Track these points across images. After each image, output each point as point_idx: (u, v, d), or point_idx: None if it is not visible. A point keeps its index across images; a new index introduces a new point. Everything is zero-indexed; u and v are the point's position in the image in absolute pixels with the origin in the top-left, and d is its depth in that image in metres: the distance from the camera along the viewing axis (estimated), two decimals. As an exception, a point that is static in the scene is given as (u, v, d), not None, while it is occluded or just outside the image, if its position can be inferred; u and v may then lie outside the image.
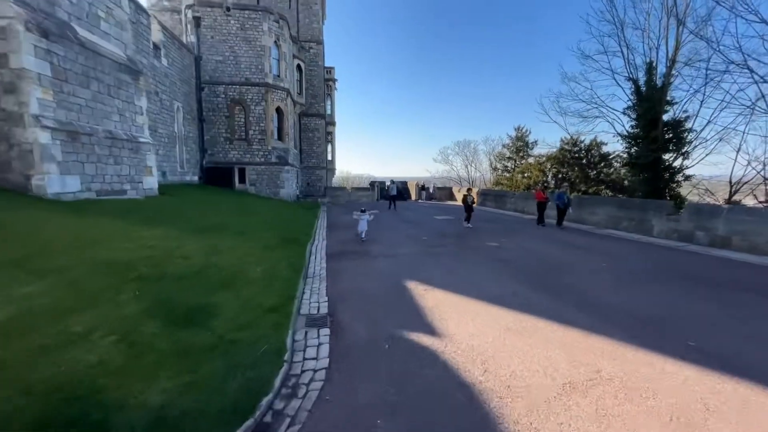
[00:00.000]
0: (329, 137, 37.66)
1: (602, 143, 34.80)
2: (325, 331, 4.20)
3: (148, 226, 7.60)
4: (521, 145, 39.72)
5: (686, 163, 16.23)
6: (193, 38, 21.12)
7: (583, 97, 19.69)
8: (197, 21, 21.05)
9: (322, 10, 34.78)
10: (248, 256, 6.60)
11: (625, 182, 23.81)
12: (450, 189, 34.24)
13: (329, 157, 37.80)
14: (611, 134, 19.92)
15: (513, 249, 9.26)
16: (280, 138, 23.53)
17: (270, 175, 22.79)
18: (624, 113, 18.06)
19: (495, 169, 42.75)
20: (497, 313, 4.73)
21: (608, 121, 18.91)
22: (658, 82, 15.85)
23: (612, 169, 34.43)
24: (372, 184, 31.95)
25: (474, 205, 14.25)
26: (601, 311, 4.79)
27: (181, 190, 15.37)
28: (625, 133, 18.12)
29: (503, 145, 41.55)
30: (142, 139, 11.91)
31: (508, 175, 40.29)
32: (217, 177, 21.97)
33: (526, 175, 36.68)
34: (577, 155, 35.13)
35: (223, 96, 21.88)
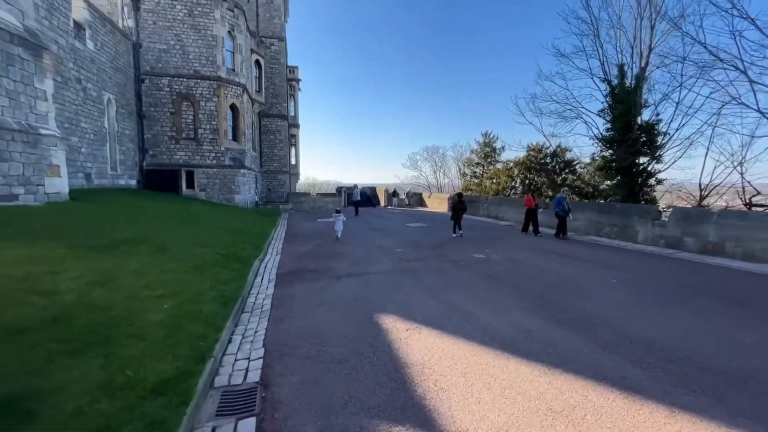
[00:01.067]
0: (293, 140, 35.48)
1: (567, 149, 35.35)
2: (248, 425, 2.48)
3: (22, 243, 5.44)
4: (489, 150, 39.70)
5: (658, 167, 16.09)
6: (131, 22, 18.45)
7: (559, 97, 19.06)
8: (136, 3, 18.44)
9: (284, 6, 32.82)
10: (158, 285, 4.69)
11: (600, 187, 23.51)
12: (420, 195, 33.11)
13: (293, 161, 35.57)
14: (587, 137, 19.56)
15: (502, 262, 7.94)
16: (235, 138, 21.20)
17: (223, 179, 20.36)
18: (599, 115, 17.70)
19: (464, 174, 42.46)
20: (519, 372, 3.21)
21: (585, 123, 18.37)
22: (632, 84, 15.60)
23: (575, 176, 35.16)
24: (339, 189, 30.16)
25: (464, 213, 12.50)
26: (660, 362, 3.41)
27: (107, 196, 12.80)
28: (600, 135, 17.77)
29: (471, 151, 41.40)
30: (44, 131, 9.45)
31: (476, 181, 40.05)
32: (161, 181, 19.23)
33: (494, 180, 36.51)
34: (542, 161, 35.53)
35: (168, 89, 19.29)
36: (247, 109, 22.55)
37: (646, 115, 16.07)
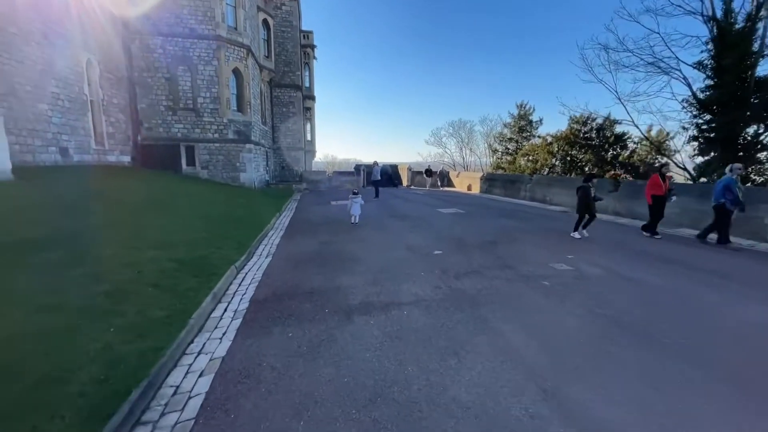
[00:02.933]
0: (308, 114, 32.68)
1: (616, 121, 31.04)
2: None
3: None
4: (524, 124, 35.61)
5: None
6: (115, -29, 15.79)
7: (641, 46, 14.11)
8: (120, -53, 15.70)
9: (297, -39, 29.18)
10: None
11: (693, 163, 17.13)
12: (446, 174, 29.50)
13: (308, 137, 32.92)
14: (679, 99, 14.60)
15: (615, 283, 5.07)
16: (239, 108, 18.66)
17: (227, 155, 18.01)
18: (697, 69, 13.24)
19: (494, 151, 38.67)
20: None
21: (677, 78, 13.62)
22: (746, 24, 11.41)
23: (627, 151, 30.82)
24: (357, 167, 27.39)
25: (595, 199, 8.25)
26: None
27: (79, 175, 10.64)
28: (697, 96, 13.35)
29: (504, 124, 37.37)
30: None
31: (509, 158, 36.25)
32: (158, 158, 17.10)
33: (530, 158, 32.65)
34: (587, 135, 31.29)
35: (161, 51, 16.78)
36: (253, 76, 19.84)
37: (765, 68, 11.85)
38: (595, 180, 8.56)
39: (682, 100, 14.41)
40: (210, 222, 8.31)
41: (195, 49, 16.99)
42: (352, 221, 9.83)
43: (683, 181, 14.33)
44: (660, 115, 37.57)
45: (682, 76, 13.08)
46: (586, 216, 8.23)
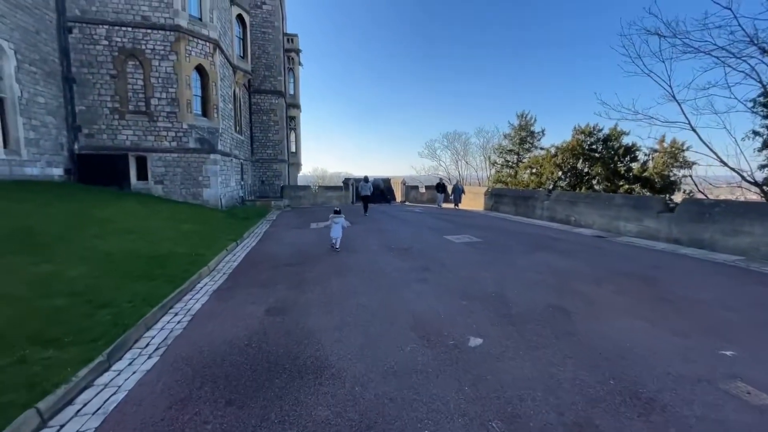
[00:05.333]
0: (292, 123, 29.94)
1: (623, 133, 28.99)
2: None
3: None
4: (525, 135, 33.38)
5: None
6: (49, -54, 13.01)
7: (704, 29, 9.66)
8: None
9: (280, -41, 26.89)
10: None
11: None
12: (461, 189, 21.81)
13: (293, 149, 30.07)
14: (756, 88, 10.58)
15: None
16: (204, 113, 15.74)
17: (186, 167, 14.98)
18: None
19: (494, 164, 36.30)
20: None
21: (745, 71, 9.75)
22: None
23: (637, 164, 28.64)
24: (346, 182, 24.52)
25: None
26: None
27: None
28: None
29: (504, 135, 35.13)
30: None
31: (510, 171, 33.87)
32: (101, 170, 14.00)
33: (534, 171, 30.24)
34: (593, 146, 29.11)
35: (107, 43, 13.88)
36: (222, 75, 17.03)
37: None
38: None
39: (754, 100, 11.92)
40: (100, 268, 5.26)
41: (148, 40, 14.14)
42: (333, 246, 8.50)
43: (757, 199, 11.63)
44: (723, 115, 31.23)
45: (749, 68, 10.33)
46: None
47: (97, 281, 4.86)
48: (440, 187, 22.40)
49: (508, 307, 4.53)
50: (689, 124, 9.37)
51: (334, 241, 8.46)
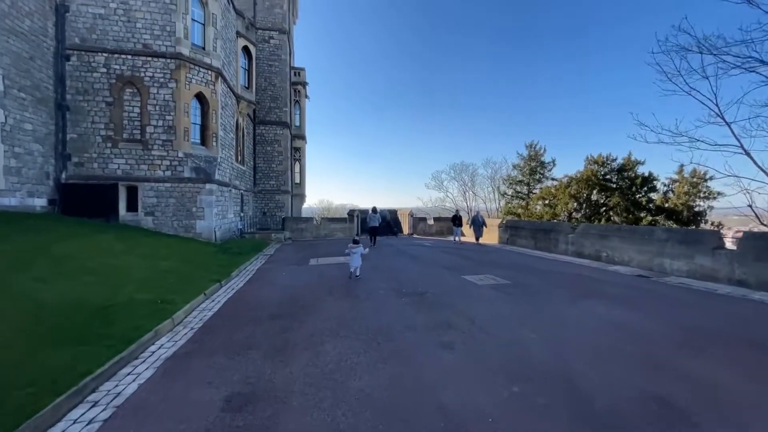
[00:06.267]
0: (297, 154, 29.44)
1: (638, 162, 27.95)
2: None
3: None
4: (535, 165, 32.46)
5: None
6: (54, -23, 12.91)
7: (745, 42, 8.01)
8: (62, -50, 12.96)
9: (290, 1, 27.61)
10: None
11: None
12: (482, 222, 18.90)
13: (296, 180, 29.35)
14: None
15: None
16: (203, 141, 14.99)
17: (180, 197, 13.96)
18: None
19: (503, 194, 35.11)
20: None
21: None
22: None
23: (657, 194, 27.30)
24: (351, 213, 23.39)
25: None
26: None
27: None
28: None
29: (513, 166, 34.21)
30: None
31: (520, 202, 32.64)
32: (88, 201, 13.02)
33: (547, 201, 28.96)
34: (607, 177, 27.99)
35: (105, 70, 13.41)
36: (224, 104, 16.47)
37: None
38: None
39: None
40: (17, 325, 3.92)
41: (148, 68, 13.66)
42: (353, 275, 8.66)
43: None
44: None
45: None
46: None
47: None
48: (456, 219, 19.37)
49: (587, 399, 3.06)
50: (741, 147, 8.13)
51: (353, 269, 8.70)
